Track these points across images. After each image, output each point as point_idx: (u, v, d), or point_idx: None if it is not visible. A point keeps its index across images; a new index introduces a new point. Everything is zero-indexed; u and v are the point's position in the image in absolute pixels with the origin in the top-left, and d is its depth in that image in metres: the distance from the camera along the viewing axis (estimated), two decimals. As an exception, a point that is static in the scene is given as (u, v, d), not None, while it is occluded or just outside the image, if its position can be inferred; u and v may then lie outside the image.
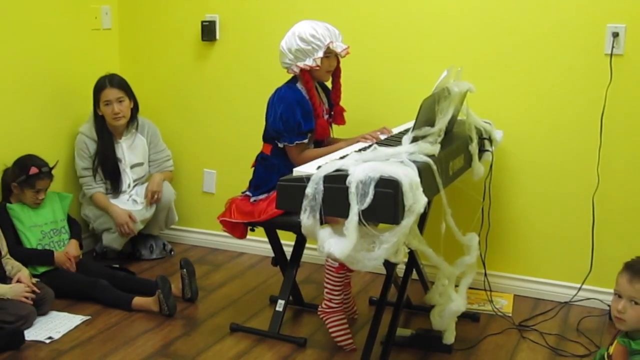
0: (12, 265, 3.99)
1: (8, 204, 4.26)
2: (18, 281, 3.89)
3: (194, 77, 5.04)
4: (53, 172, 4.36)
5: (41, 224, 4.31)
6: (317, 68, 3.79)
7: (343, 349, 3.69)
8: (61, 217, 4.44)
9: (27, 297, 3.84)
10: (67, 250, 4.35)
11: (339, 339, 3.69)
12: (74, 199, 4.68)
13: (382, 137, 3.68)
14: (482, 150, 3.82)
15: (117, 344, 3.74)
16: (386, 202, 2.78)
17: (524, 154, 4.26)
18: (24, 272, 3.97)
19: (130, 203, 4.77)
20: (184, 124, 5.11)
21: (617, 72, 3.99)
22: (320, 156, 3.58)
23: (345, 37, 3.88)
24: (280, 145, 3.82)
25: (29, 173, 4.23)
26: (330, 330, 3.70)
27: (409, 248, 3.20)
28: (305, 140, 3.80)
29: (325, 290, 3.71)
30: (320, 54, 3.76)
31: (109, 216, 4.69)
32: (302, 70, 3.80)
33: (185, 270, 4.21)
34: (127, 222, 4.65)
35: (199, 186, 5.15)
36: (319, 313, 3.75)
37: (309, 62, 3.77)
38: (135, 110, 4.79)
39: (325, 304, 3.72)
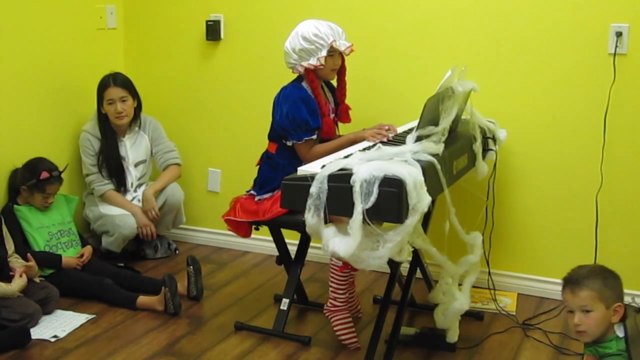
0: (21, 263, 3.99)
1: (15, 206, 4.27)
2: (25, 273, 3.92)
3: (198, 77, 5.05)
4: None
5: (48, 225, 4.33)
6: (321, 67, 3.79)
7: (348, 348, 3.70)
8: (68, 219, 4.45)
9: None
10: (83, 251, 4.39)
11: (343, 337, 3.70)
12: (80, 200, 4.69)
13: (390, 135, 3.68)
14: (485, 150, 3.83)
15: (122, 342, 3.75)
16: (390, 201, 2.78)
17: (528, 153, 4.26)
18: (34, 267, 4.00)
19: (136, 202, 4.78)
20: (188, 123, 5.12)
21: (621, 71, 4.00)
22: (330, 150, 3.61)
23: (350, 36, 3.89)
24: (289, 143, 3.82)
25: (39, 177, 4.23)
26: (335, 328, 3.71)
27: (413, 247, 3.21)
28: (314, 137, 3.80)
29: (330, 289, 3.72)
30: (324, 53, 3.77)
31: (132, 215, 4.69)
32: (306, 69, 3.80)
33: (192, 267, 4.22)
34: (147, 225, 4.68)
35: (203, 185, 5.16)
36: (324, 312, 3.76)
37: (312, 62, 3.78)
38: (138, 109, 4.79)
39: (330, 303, 3.73)
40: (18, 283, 3.82)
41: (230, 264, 4.86)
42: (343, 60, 3.94)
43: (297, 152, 3.83)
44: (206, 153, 5.12)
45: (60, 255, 4.26)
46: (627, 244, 4.13)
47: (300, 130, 3.77)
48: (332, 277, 3.71)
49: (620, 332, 2.81)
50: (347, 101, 4.07)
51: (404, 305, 3.66)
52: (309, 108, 3.79)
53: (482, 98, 3.91)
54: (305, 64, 3.78)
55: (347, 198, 2.82)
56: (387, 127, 3.73)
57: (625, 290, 4.20)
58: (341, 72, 3.99)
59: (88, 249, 4.44)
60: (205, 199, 5.17)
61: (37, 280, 4.00)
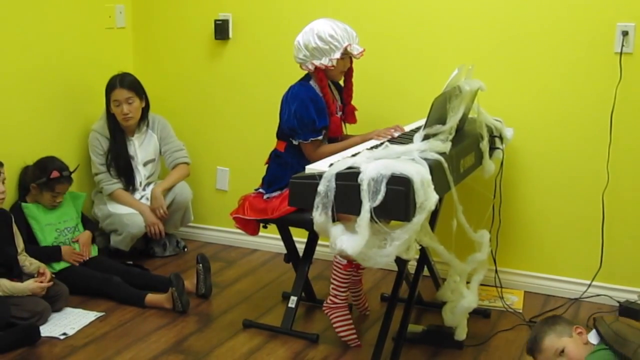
0: (30, 262, 4.03)
1: (23, 203, 4.29)
2: (39, 274, 3.93)
3: (207, 76, 5.06)
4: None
5: (56, 222, 4.34)
6: (332, 68, 3.80)
7: (348, 345, 3.71)
8: (75, 216, 4.47)
9: (40, 291, 3.87)
10: (77, 238, 4.39)
11: (343, 334, 3.71)
12: (87, 197, 4.71)
13: (396, 134, 3.70)
14: (492, 148, 3.83)
15: (130, 340, 3.77)
16: (398, 199, 2.80)
17: (534, 152, 4.27)
18: (42, 266, 4.02)
19: (144, 201, 4.80)
20: (197, 122, 5.14)
21: (627, 70, 4.00)
22: (336, 151, 3.60)
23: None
24: (295, 142, 3.84)
25: (50, 176, 4.25)
26: (335, 325, 3.72)
27: (420, 245, 3.22)
28: (320, 137, 3.81)
29: (332, 286, 3.73)
30: (338, 55, 3.77)
31: (140, 214, 4.71)
32: (316, 68, 3.81)
33: (201, 265, 4.23)
34: (155, 223, 4.70)
35: (212, 183, 5.18)
36: (323, 308, 3.77)
37: (324, 62, 3.78)
38: (146, 109, 4.80)
39: (330, 300, 3.73)
40: (30, 285, 3.84)
41: (238, 262, 4.87)
42: (351, 63, 3.95)
43: (303, 151, 3.85)
44: (215, 151, 5.13)
45: (59, 247, 4.27)
46: (634, 242, 4.14)
47: (307, 130, 3.78)
48: (334, 274, 3.72)
49: (595, 340, 2.96)
50: (354, 100, 4.08)
51: (412, 303, 3.67)
52: (317, 107, 3.80)
53: (489, 97, 3.91)
54: (317, 62, 3.79)
55: (354, 196, 2.83)
56: (394, 129, 3.74)
57: (632, 288, 4.24)
58: (348, 73, 3.99)
59: (85, 233, 4.46)
60: (214, 197, 5.19)
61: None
